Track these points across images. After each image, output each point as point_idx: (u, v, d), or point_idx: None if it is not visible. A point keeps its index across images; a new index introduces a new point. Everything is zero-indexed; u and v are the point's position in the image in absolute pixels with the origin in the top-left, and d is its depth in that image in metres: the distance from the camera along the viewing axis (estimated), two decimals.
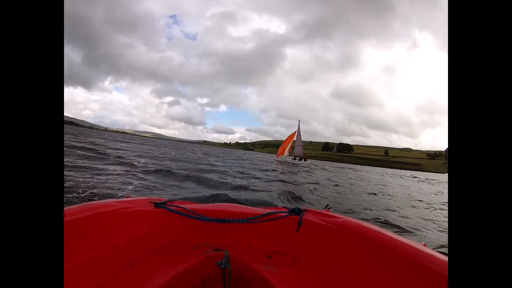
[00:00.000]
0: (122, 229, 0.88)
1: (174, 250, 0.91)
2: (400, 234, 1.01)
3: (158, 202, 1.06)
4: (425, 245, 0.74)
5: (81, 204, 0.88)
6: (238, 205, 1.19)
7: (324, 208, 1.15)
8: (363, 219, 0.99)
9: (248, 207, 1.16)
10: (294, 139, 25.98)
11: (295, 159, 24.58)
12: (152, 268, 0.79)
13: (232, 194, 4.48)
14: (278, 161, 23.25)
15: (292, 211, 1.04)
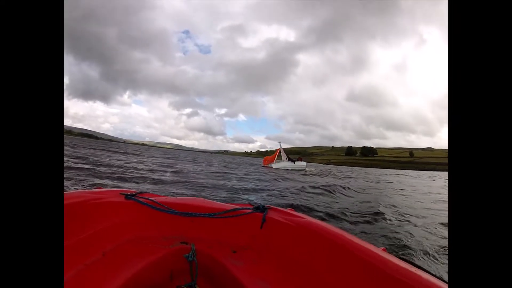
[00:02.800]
0: (93, 220, 0.90)
1: (144, 241, 0.94)
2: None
3: (128, 193, 1.08)
4: (384, 249, 0.79)
5: None
6: (205, 199, 1.21)
7: (288, 208, 1.18)
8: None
9: (215, 202, 1.19)
10: (279, 154, 22.79)
11: (291, 161, 20.71)
12: (123, 258, 0.81)
13: None
14: (267, 167, 19.34)
15: (257, 208, 1.08)
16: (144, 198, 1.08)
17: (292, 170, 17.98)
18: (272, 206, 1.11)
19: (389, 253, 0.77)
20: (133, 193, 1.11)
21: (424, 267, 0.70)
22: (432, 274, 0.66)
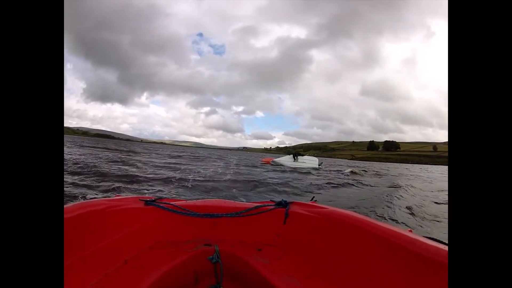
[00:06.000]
0: (113, 227, 0.89)
1: (166, 247, 0.92)
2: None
3: (148, 199, 1.08)
4: (411, 231, 0.77)
5: (72, 203, 0.88)
6: (226, 200, 1.20)
7: (310, 200, 1.17)
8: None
9: (235, 202, 1.18)
10: None
11: (295, 157, 14.67)
12: (145, 264, 0.80)
13: None
14: (273, 163, 14.23)
15: (279, 204, 1.07)
16: (164, 203, 1.07)
17: (294, 168, 11.97)
18: (294, 201, 1.10)
19: (415, 233, 0.75)
20: (153, 199, 1.09)
21: None
22: None
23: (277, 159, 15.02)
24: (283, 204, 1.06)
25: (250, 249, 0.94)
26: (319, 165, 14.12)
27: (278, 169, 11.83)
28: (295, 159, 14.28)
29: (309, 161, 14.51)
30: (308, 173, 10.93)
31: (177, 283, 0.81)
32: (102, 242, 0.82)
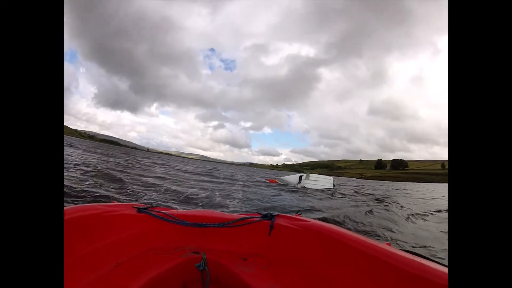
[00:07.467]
0: (107, 232, 0.93)
1: (156, 253, 0.96)
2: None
3: (141, 207, 1.13)
4: (389, 244, 0.82)
5: (68, 206, 0.90)
6: (214, 211, 1.26)
7: (296, 214, 1.22)
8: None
9: (223, 213, 1.23)
10: None
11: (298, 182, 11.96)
12: (135, 269, 0.83)
13: None
14: (279, 183, 12.40)
15: (265, 216, 1.11)
16: (156, 211, 1.12)
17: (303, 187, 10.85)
18: (279, 214, 1.14)
19: (393, 247, 0.79)
20: (145, 207, 1.14)
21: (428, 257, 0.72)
22: (437, 263, 0.68)
23: (285, 177, 13.15)
24: (268, 217, 1.10)
25: (236, 258, 0.97)
26: (333, 186, 12.31)
27: (292, 189, 10.08)
28: (300, 181, 11.98)
29: (323, 181, 12.55)
30: (326, 194, 9.09)
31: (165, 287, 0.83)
32: (95, 245, 0.85)
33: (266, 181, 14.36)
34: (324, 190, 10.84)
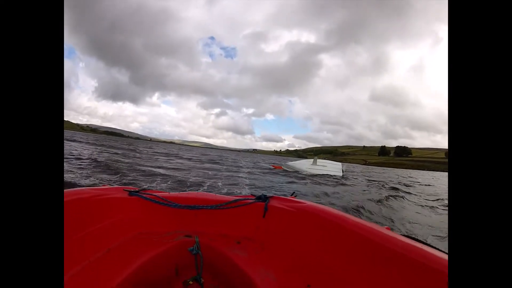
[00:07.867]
0: (97, 216, 0.90)
1: (148, 236, 0.94)
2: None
3: (132, 190, 1.10)
4: (388, 228, 0.79)
5: None
6: (207, 193, 1.22)
7: (291, 195, 1.18)
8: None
9: (216, 194, 1.19)
10: None
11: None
12: (127, 253, 0.81)
13: None
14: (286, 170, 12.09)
15: (259, 198, 1.09)
16: (148, 194, 1.09)
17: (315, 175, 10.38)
18: (273, 195, 1.11)
19: (393, 231, 0.77)
20: (137, 189, 1.11)
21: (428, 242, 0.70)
22: (435, 248, 0.67)
23: (291, 163, 12.64)
24: (262, 199, 1.08)
25: (229, 241, 0.95)
26: (343, 172, 11.86)
27: (299, 176, 9.66)
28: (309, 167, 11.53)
29: (331, 167, 12.00)
30: (337, 182, 8.50)
31: (158, 273, 0.82)
32: (86, 230, 0.83)
33: (272, 167, 14.46)
34: (332, 176, 10.46)
